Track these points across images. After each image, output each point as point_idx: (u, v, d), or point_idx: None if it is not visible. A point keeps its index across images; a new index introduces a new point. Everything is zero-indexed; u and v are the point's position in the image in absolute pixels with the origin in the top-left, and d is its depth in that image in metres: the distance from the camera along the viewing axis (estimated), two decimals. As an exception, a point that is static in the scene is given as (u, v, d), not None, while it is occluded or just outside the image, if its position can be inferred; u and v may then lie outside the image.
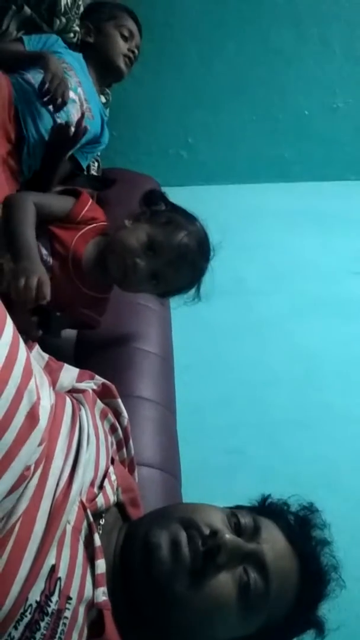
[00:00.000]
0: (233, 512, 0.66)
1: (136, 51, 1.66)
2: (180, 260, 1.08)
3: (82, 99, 1.49)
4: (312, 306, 1.99)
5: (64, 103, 1.34)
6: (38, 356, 0.85)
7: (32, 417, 0.55)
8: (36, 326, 0.98)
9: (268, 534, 0.65)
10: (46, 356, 0.86)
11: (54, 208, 1.14)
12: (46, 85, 1.29)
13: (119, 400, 0.84)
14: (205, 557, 0.59)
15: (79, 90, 1.49)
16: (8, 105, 1.34)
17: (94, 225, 1.16)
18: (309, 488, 0.75)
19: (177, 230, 1.09)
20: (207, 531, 0.61)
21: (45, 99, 1.31)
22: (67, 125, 1.32)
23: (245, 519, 0.65)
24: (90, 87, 1.58)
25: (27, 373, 0.56)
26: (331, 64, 2.41)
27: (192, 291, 1.14)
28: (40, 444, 0.57)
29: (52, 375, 0.82)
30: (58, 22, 1.54)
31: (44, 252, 1.09)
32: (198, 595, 0.58)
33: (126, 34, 1.62)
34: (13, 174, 1.36)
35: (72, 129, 1.32)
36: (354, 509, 1.35)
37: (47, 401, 0.62)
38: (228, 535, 0.61)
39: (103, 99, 1.74)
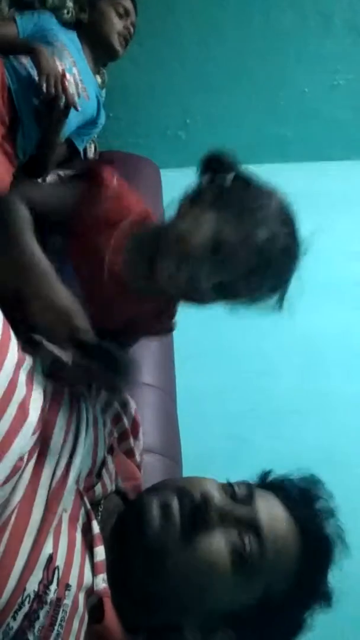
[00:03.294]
0: (230, 483, 0.66)
1: (132, 29, 1.63)
2: (259, 270, 0.75)
3: (76, 79, 1.46)
4: (313, 291, 1.96)
5: (72, 104, 1.27)
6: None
7: (24, 407, 0.55)
8: (102, 372, 0.65)
9: (263, 500, 0.65)
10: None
11: (63, 204, 0.79)
12: (43, 88, 1.22)
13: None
14: (194, 514, 0.60)
15: (74, 70, 1.46)
16: (1, 88, 1.31)
17: (131, 219, 0.79)
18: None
19: (256, 224, 0.74)
20: (199, 497, 0.61)
21: (48, 107, 1.26)
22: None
23: (241, 488, 0.65)
24: (85, 67, 1.55)
25: (20, 363, 0.56)
26: (332, 41, 2.35)
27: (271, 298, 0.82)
28: (33, 433, 0.56)
29: None
30: (51, -1, 1.51)
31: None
32: (190, 553, 0.59)
33: (121, 11, 1.59)
34: (8, 157, 1.34)
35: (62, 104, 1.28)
36: (355, 495, 1.35)
37: (39, 392, 0.61)
38: (218, 495, 0.62)
39: (99, 79, 1.70)
